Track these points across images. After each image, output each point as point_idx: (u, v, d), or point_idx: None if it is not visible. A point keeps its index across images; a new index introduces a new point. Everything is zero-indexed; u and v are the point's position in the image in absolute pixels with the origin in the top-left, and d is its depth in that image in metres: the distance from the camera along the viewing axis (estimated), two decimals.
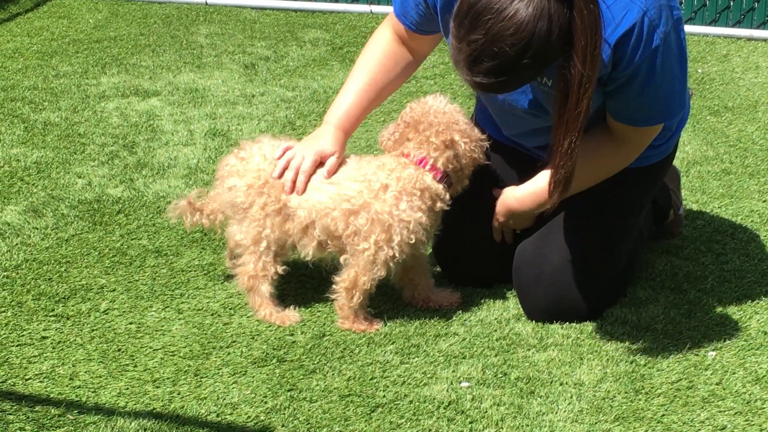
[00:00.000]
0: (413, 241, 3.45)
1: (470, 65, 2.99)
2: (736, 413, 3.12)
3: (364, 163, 3.55)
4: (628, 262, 3.73)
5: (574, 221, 3.59)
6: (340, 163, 3.57)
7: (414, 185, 3.44)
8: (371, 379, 3.27)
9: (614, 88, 3.25)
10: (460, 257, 3.79)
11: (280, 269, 3.61)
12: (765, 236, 4.21)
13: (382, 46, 3.70)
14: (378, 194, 3.44)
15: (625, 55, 3.14)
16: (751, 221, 4.34)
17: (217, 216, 3.70)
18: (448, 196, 3.50)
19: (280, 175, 3.53)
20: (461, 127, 3.49)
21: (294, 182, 3.51)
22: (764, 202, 4.52)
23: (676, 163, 4.78)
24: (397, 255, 3.45)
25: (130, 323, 3.56)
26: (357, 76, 3.68)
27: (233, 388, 3.21)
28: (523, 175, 3.68)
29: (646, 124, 3.37)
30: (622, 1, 3.10)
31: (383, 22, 3.74)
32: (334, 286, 3.54)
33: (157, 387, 3.22)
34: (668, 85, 3.27)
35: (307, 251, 3.55)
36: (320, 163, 3.55)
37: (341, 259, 3.53)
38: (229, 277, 3.81)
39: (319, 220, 3.49)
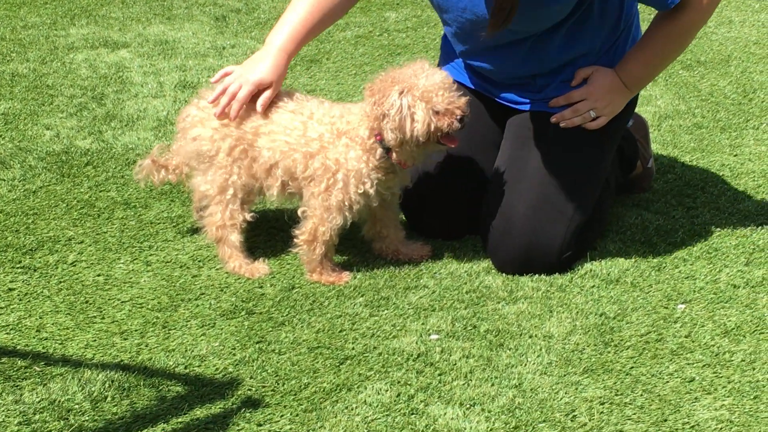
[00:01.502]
0: (361, 191, 3.43)
1: None
2: (704, 365, 3.13)
3: (335, 106, 3.53)
4: (597, 213, 3.73)
5: (537, 167, 3.59)
6: (276, 95, 3.56)
7: (363, 139, 3.43)
8: (340, 331, 3.26)
9: None
10: (424, 208, 3.76)
11: (248, 216, 3.59)
12: (735, 190, 4.21)
13: None
14: (334, 140, 3.43)
15: None
16: (722, 175, 4.34)
17: (182, 169, 3.68)
18: (380, 162, 3.46)
19: (215, 100, 3.51)
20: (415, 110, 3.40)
21: (225, 108, 3.50)
22: (735, 156, 4.52)
23: (647, 116, 4.78)
24: (346, 202, 3.43)
25: (98, 275, 3.54)
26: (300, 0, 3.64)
27: (201, 340, 3.20)
28: (487, 123, 3.73)
29: None
30: None
31: None
32: (295, 240, 3.52)
33: (125, 339, 3.20)
34: None
35: (272, 192, 3.54)
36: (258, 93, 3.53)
37: (299, 212, 3.52)
38: (197, 230, 3.78)
39: (282, 161, 3.47)
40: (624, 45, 3.68)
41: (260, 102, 3.50)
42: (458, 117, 3.35)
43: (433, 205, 3.76)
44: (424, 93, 3.33)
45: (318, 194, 3.45)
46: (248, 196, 3.58)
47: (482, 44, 3.63)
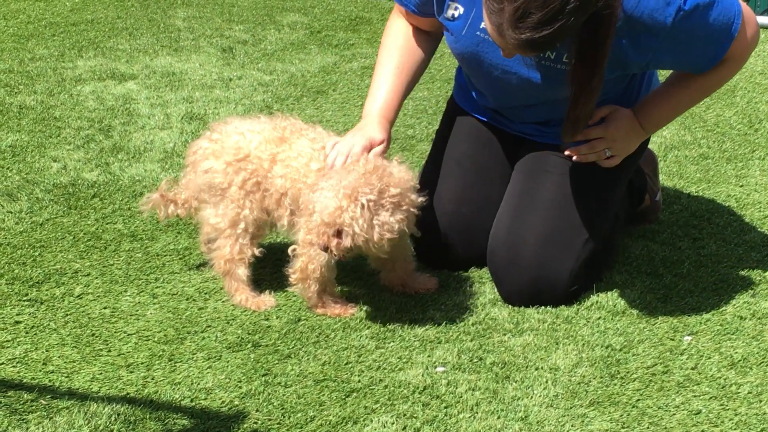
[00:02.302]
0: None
1: (517, 22, 2.99)
2: (711, 398, 3.12)
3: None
4: (605, 246, 3.73)
5: (548, 199, 3.59)
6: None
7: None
8: (346, 363, 3.26)
9: (662, 57, 3.35)
10: (429, 241, 3.76)
11: (257, 252, 3.60)
12: (742, 221, 4.21)
13: (399, 31, 3.71)
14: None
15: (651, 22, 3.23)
16: (728, 206, 4.34)
17: (191, 203, 3.68)
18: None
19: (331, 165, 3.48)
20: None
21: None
22: (741, 186, 4.52)
23: (653, 147, 4.78)
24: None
25: (105, 308, 3.54)
26: (385, 65, 3.67)
27: (208, 373, 3.20)
28: (498, 152, 3.74)
29: (719, 57, 3.40)
30: None
31: (392, 13, 3.76)
32: (289, 279, 3.54)
33: (131, 372, 3.20)
34: (710, 27, 3.32)
35: (282, 222, 3.54)
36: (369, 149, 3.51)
37: (289, 251, 3.53)
38: (204, 262, 3.79)
39: (291, 189, 3.49)
40: (639, 87, 3.67)
41: (374, 151, 3.48)
42: (321, 245, 3.30)
43: (439, 237, 3.76)
44: (317, 205, 3.30)
45: (304, 227, 3.46)
46: (258, 230, 3.59)
47: (502, 95, 3.66)
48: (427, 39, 3.72)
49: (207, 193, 3.59)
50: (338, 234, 3.28)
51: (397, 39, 3.70)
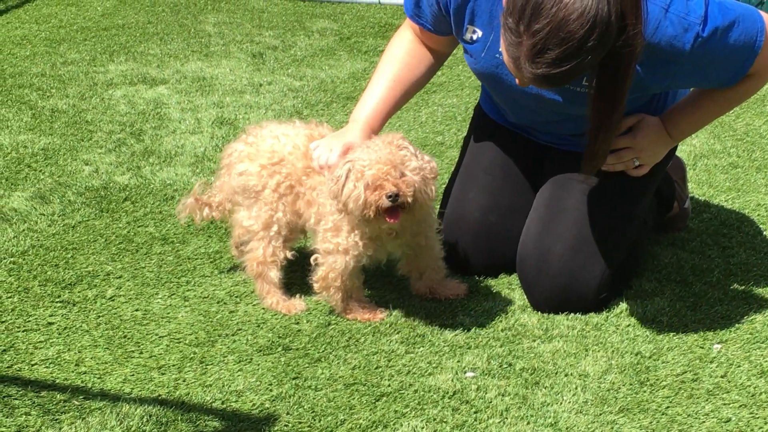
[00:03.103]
0: (351, 239, 3.45)
1: (534, 57, 2.98)
2: (740, 406, 3.12)
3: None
4: (633, 252, 3.74)
5: (576, 207, 3.60)
6: None
7: None
8: (376, 368, 3.27)
9: (682, 79, 3.34)
10: (459, 247, 3.77)
11: (289, 255, 3.62)
12: None
13: (404, 44, 3.70)
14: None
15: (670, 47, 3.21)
16: (758, 215, 4.34)
17: (225, 206, 3.71)
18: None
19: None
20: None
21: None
22: None
23: (683, 155, 4.78)
24: (341, 246, 3.45)
25: (136, 310, 3.57)
26: (382, 74, 3.68)
27: (238, 375, 3.22)
28: (526, 160, 3.74)
29: (742, 74, 3.38)
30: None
31: (403, 24, 3.75)
32: (314, 287, 3.56)
33: (163, 374, 3.22)
34: (731, 48, 3.29)
35: (310, 223, 3.56)
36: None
37: (311, 260, 3.55)
38: (234, 266, 3.82)
39: (320, 194, 3.51)
40: (666, 96, 3.66)
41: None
42: (388, 194, 3.29)
43: (470, 243, 3.77)
44: (359, 165, 3.33)
45: (321, 236, 3.49)
46: (291, 234, 3.61)
47: (522, 112, 3.67)
48: (431, 58, 3.70)
49: (241, 195, 3.62)
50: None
51: (400, 51, 3.69)
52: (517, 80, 3.14)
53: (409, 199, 3.31)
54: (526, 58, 3.00)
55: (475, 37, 3.44)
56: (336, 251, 3.47)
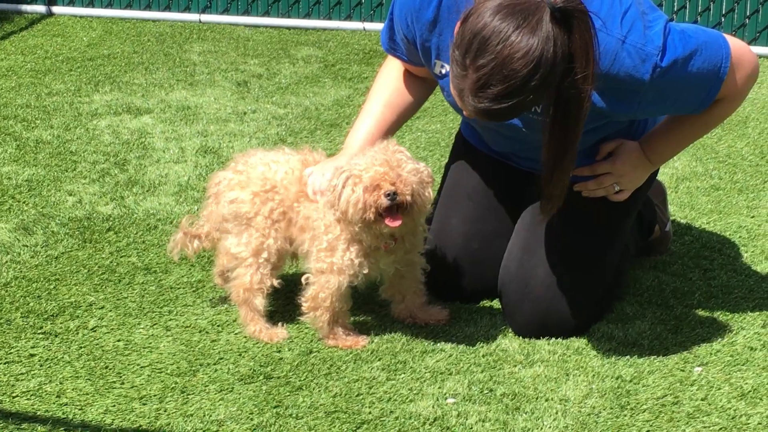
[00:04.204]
0: (347, 257, 3.47)
1: (477, 91, 3.01)
2: (721, 429, 3.13)
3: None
4: (615, 277, 3.75)
5: (558, 234, 3.61)
6: None
7: None
8: (357, 395, 3.28)
9: (648, 108, 3.33)
10: (439, 274, 3.78)
11: (276, 283, 3.63)
12: (752, 252, 4.22)
13: (394, 70, 3.73)
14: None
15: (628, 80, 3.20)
16: (739, 237, 4.35)
17: (214, 235, 3.72)
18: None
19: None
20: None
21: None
22: (753, 218, 4.53)
23: (664, 179, 4.80)
24: (335, 266, 3.47)
25: (118, 340, 3.57)
26: (374, 101, 3.70)
27: (220, 405, 3.22)
28: (507, 186, 3.76)
29: (710, 101, 3.37)
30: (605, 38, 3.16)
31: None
32: (301, 308, 3.57)
33: (144, 404, 3.22)
34: (695, 78, 3.29)
35: (304, 248, 3.58)
36: None
37: (302, 279, 3.56)
38: (217, 295, 3.82)
39: (312, 212, 3.53)
40: (645, 120, 3.68)
41: None
42: (386, 192, 3.31)
43: (449, 270, 3.78)
44: (356, 170, 3.35)
45: (314, 255, 3.51)
46: (279, 261, 3.63)
47: (496, 139, 3.69)
48: (420, 84, 3.73)
49: (231, 222, 3.62)
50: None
51: (390, 77, 3.72)
52: (463, 111, 3.16)
53: (408, 198, 3.33)
54: (469, 91, 3.02)
55: (443, 71, 3.46)
56: (330, 271, 3.48)
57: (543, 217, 3.46)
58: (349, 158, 3.51)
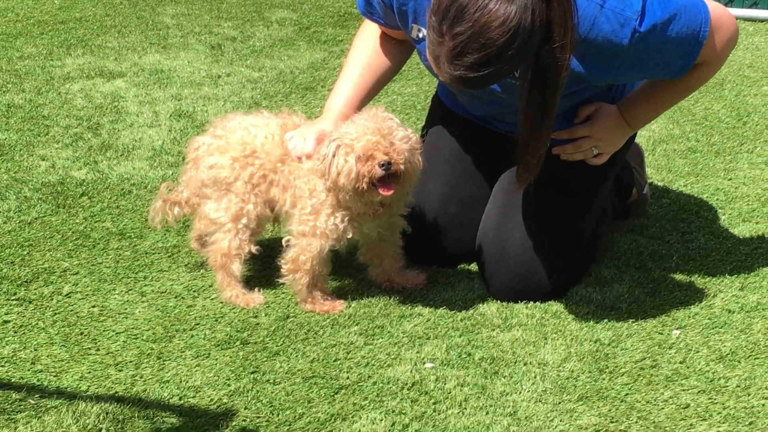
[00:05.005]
0: (331, 222, 3.45)
1: (453, 58, 2.97)
2: (699, 392, 3.13)
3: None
4: (593, 240, 3.73)
5: (535, 198, 3.59)
6: None
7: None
8: (335, 360, 3.26)
9: (627, 73, 3.30)
10: (417, 236, 3.76)
11: (254, 249, 3.60)
12: (730, 214, 4.22)
13: (371, 35, 3.69)
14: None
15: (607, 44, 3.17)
16: (717, 199, 4.35)
17: (193, 201, 3.68)
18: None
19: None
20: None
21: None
22: (730, 180, 4.53)
23: (641, 141, 4.79)
24: (318, 230, 3.45)
25: (93, 306, 3.54)
26: (352, 64, 3.66)
27: (196, 370, 3.20)
28: (485, 150, 3.74)
29: (689, 66, 3.35)
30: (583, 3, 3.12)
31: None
32: (281, 270, 3.54)
33: (120, 370, 3.20)
34: (673, 42, 3.26)
35: (285, 207, 3.55)
36: None
37: (283, 241, 3.54)
38: (192, 260, 3.79)
39: (297, 179, 3.51)
40: (623, 84, 3.66)
41: None
42: (380, 162, 3.29)
43: (427, 234, 3.76)
44: (347, 140, 3.32)
45: (297, 218, 3.48)
46: (258, 227, 3.60)
47: (473, 102, 3.66)
48: (398, 47, 3.69)
49: (210, 187, 3.59)
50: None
51: (367, 41, 3.69)
52: (440, 76, 3.13)
53: (402, 167, 3.30)
54: (446, 58, 2.99)
55: (420, 35, 3.42)
56: (312, 234, 3.46)
57: (519, 186, 3.43)
58: (334, 123, 3.48)
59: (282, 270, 3.55)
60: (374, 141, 3.29)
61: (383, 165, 3.28)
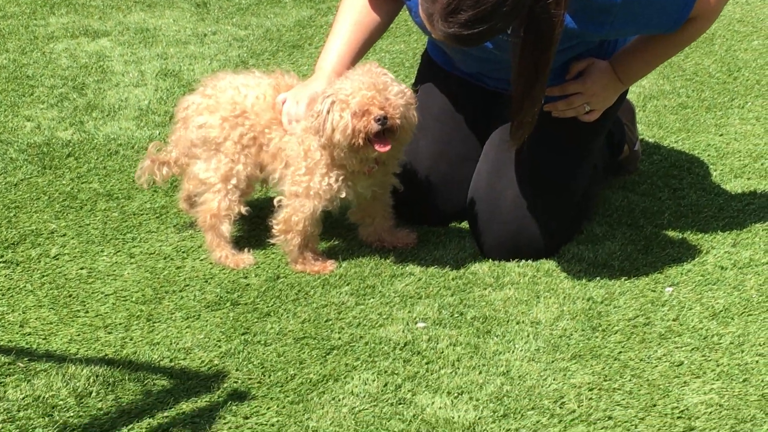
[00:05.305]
0: (326, 182, 3.41)
1: (447, 16, 2.93)
2: (693, 349, 3.11)
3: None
4: (584, 198, 3.71)
5: (527, 155, 3.55)
6: None
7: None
8: (326, 321, 3.23)
9: (621, 28, 3.28)
10: (408, 195, 3.73)
11: (244, 210, 3.56)
12: (721, 170, 4.19)
13: None
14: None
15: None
16: (708, 155, 4.32)
17: (182, 161, 3.64)
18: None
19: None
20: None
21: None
22: (721, 136, 4.50)
23: (632, 97, 4.76)
24: (312, 190, 3.41)
25: (81, 268, 3.50)
26: (343, 21, 3.61)
27: (186, 332, 3.17)
28: (476, 107, 3.70)
29: (682, 20, 3.32)
30: None
31: None
32: (272, 230, 3.51)
33: (109, 333, 3.17)
34: None
35: (275, 176, 3.52)
36: None
37: (275, 201, 3.51)
38: (181, 221, 3.76)
39: (287, 143, 3.48)
40: (615, 40, 3.62)
41: None
42: (376, 117, 3.25)
43: (417, 192, 3.73)
44: (342, 95, 3.28)
45: (290, 179, 3.45)
46: (248, 188, 3.56)
47: (465, 60, 3.61)
48: (387, 3, 3.64)
49: (200, 147, 3.55)
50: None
51: None
52: (432, 33, 3.09)
53: (398, 122, 3.27)
54: (439, 15, 2.95)
55: None
56: (306, 195, 3.43)
57: (513, 144, 3.40)
58: (327, 82, 3.44)
59: (273, 231, 3.52)
60: (370, 96, 3.25)
61: (379, 120, 3.24)
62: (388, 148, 3.29)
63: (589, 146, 3.66)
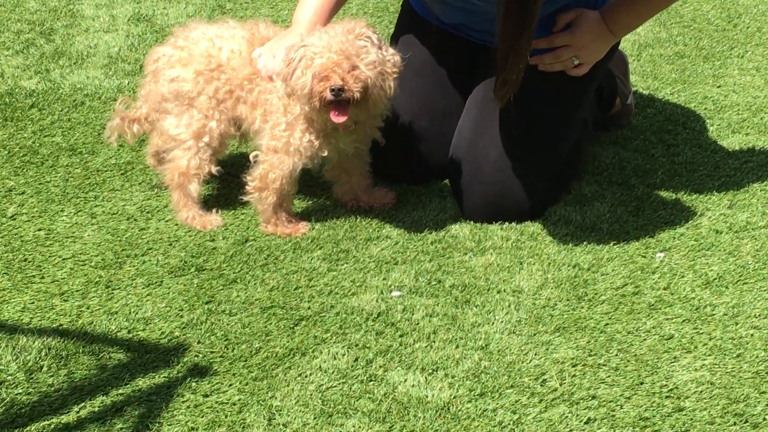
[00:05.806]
0: (306, 138, 3.24)
1: None
2: (684, 321, 2.93)
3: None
4: (573, 155, 3.53)
5: (510, 112, 3.35)
6: None
7: None
8: (296, 288, 3.05)
9: None
10: (387, 151, 3.54)
11: (215, 170, 3.38)
12: (718, 125, 4.00)
13: None
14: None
15: None
16: (705, 109, 4.12)
17: (153, 117, 3.44)
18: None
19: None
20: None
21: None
22: (719, 87, 4.30)
23: (625, 46, 4.55)
24: (292, 146, 3.25)
25: (39, 229, 3.32)
26: None
27: (147, 300, 2.99)
28: (458, 60, 3.53)
29: None
30: None
31: None
32: (246, 187, 3.32)
33: (65, 300, 2.99)
34: None
35: (254, 127, 3.34)
36: None
37: (251, 157, 3.33)
38: (148, 177, 3.57)
39: (269, 94, 3.30)
40: None
41: None
42: (331, 86, 3.07)
43: (396, 148, 3.53)
44: (310, 52, 3.11)
45: (269, 133, 3.27)
46: (220, 146, 3.38)
47: (449, 12, 3.41)
48: None
49: (171, 102, 3.36)
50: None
51: None
52: None
53: (357, 95, 3.09)
54: None
55: None
56: (285, 151, 3.25)
57: (497, 102, 3.20)
58: (306, 34, 3.24)
59: (247, 187, 3.33)
60: (335, 60, 3.06)
61: (334, 90, 3.05)
62: (343, 119, 3.10)
63: (577, 102, 3.46)
